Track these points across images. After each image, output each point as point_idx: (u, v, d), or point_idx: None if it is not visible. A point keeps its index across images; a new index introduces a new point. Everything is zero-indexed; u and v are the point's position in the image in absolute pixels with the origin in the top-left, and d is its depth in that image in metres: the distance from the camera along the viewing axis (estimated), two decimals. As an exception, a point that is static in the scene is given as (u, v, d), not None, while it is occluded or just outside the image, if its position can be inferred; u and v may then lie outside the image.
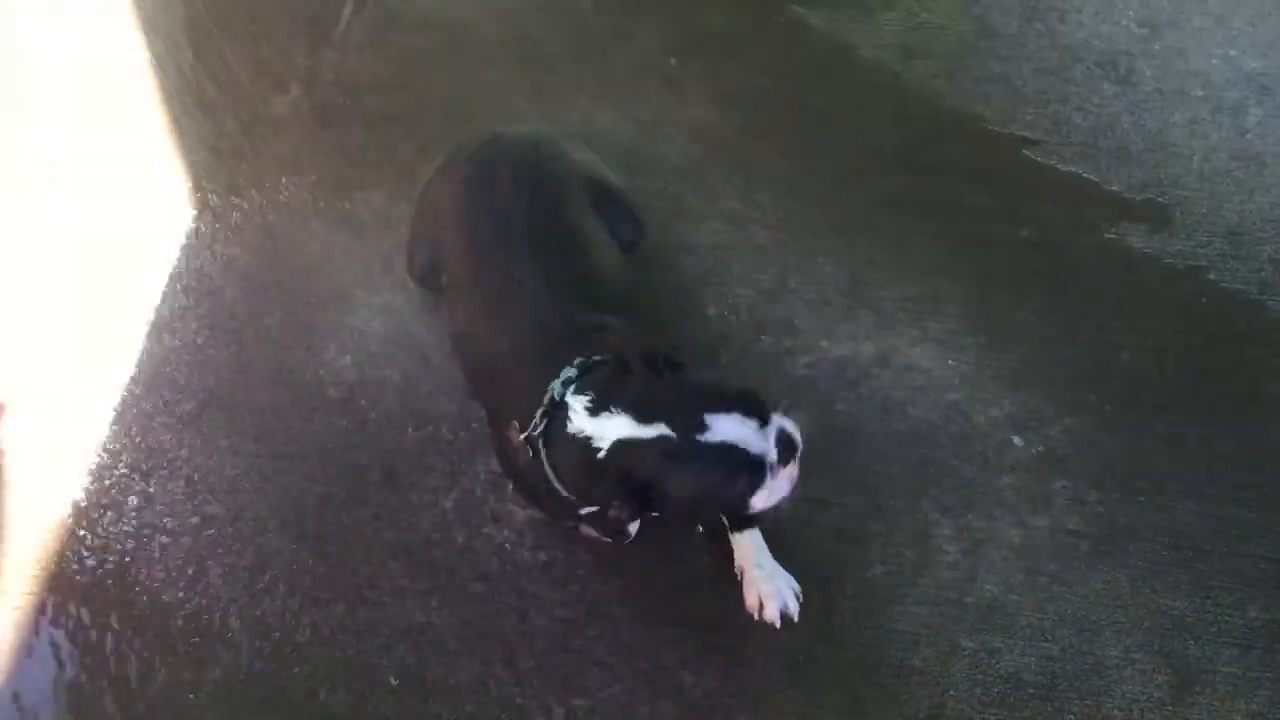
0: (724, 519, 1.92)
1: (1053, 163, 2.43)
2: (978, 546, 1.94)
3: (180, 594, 1.96)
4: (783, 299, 2.25)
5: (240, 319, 2.29)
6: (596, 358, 1.68)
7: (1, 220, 2.48)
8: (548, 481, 1.70)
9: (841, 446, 2.06)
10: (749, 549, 1.91)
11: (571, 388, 1.64)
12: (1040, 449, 2.05)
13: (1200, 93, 2.51)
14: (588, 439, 1.59)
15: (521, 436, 1.68)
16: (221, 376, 2.22)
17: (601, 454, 1.58)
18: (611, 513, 1.58)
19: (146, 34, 2.77)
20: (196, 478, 2.09)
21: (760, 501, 1.63)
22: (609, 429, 1.58)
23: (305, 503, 2.05)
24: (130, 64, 2.71)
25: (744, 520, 1.89)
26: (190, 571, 1.99)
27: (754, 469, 1.57)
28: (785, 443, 1.61)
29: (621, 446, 1.57)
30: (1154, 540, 1.94)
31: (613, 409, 1.58)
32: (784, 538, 1.93)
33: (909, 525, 1.97)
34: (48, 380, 2.25)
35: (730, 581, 1.91)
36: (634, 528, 1.80)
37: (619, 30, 2.70)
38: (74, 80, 2.70)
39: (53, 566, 2.00)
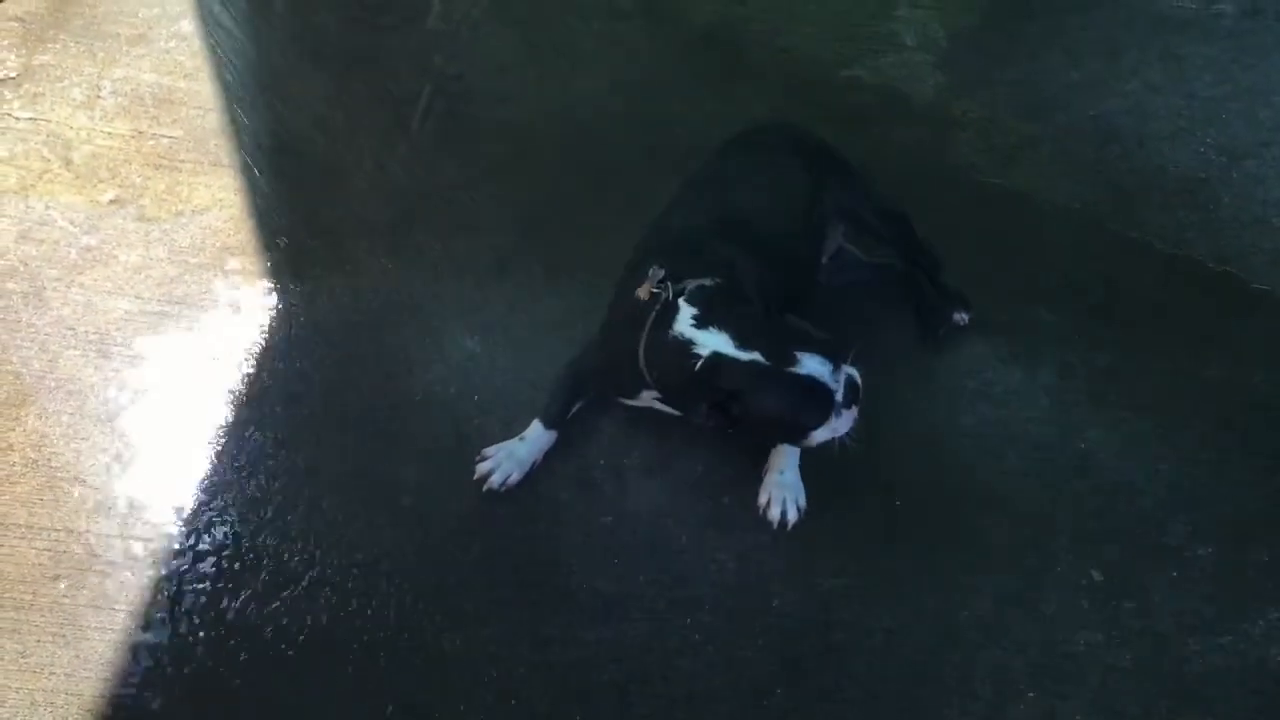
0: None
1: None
2: (1057, 686, 1.92)
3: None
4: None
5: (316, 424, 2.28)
6: (710, 281, 1.92)
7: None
8: (634, 364, 1.92)
9: (911, 576, 2.06)
10: (783, 456, 2.09)
11: (683, 296, 1.88)
12: (1119, 583, 2.03)
13: (1279, 222, 2.52)
14: (689, 343, 1.84)
15: (654, 286, 1.91)
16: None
17: (698, 363, 1.81)
18: (703, 421, 1.82)
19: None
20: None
21: (822, 434, 1.85)
22: (710, 341, 1.82)
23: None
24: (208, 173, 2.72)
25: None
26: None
27: (827, 404, 1.80)
28: (852, 388, 1.84)
29: (718, 360, 1.80)
30: (1239, 686, 1.91)
31: (717, 326, 1.83)
32: (859, 677, 1.93)
33: (985, 661, 1.95)
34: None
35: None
36: None
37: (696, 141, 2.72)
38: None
39: (130, 679, 1.95)
